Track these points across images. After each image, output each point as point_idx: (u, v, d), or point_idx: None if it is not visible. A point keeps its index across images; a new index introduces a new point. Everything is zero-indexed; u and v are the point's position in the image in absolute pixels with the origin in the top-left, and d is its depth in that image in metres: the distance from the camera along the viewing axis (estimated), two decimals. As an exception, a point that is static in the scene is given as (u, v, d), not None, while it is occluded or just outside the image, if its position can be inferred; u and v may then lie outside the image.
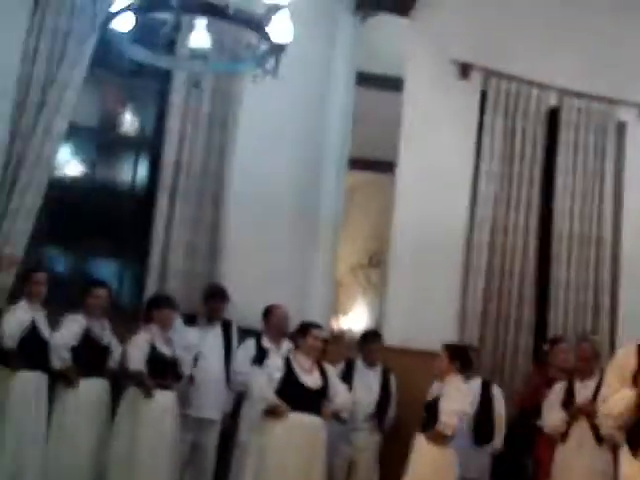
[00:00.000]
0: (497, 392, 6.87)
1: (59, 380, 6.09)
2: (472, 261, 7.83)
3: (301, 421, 6.13)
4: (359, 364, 7.04)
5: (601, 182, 8.23)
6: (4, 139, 6.56)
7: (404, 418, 6.98)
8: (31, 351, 5.97)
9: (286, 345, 6.83)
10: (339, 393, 6.32)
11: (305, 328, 6.40)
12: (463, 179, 7.98)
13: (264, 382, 6.20)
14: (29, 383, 5.96)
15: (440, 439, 5.99)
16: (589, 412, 6.01)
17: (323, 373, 6.38)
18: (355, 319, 9.15)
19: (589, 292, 8.06)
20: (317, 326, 6.43)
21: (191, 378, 6.54)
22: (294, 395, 6.16)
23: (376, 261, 9.78)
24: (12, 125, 6.59)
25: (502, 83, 8.02)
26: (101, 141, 7.39)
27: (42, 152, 6.55)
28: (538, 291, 7.97)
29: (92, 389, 6.18)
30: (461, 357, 6.34)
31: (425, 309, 7.69)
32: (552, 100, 8.20)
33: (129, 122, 7.50)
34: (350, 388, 6.64)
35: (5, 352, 5.92)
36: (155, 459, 6.10)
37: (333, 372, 6.49)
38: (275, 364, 6.31)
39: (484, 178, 7.92)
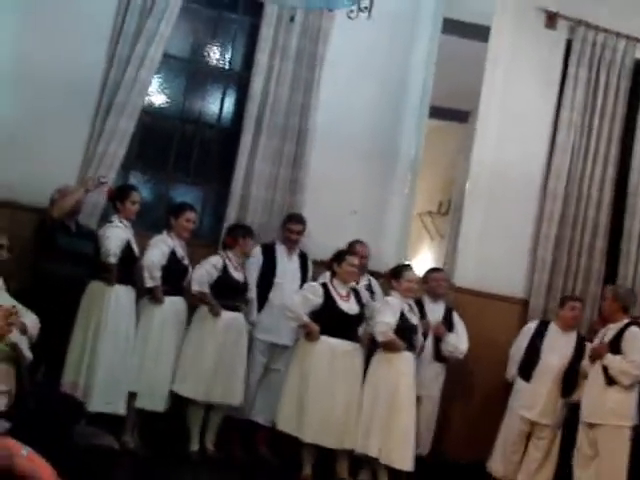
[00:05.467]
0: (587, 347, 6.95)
1: (144, 295, 6.38)
2: (546, 210, 7.91)
3: (341, 347, 6.43)
4: (425, 299, 7.22)
5: (681, 140, 8.22)
6: (101, 64, 6.83)
7: (470, 356, 7.18)
8: (124, 267, 6.19)
9: (364, 279, 7.05)
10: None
11: (341, 255, 6.65)
12: (542, 128, 8.03)
13: (299, 301, 6.46)
14: (123, 297, 6.20)
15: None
16: (597, 355, 6.47)
17: (359, 299, 6.63)
18: (421, 265, 9.29)
19: (660, 247, 8.09)
20: (352, 253, 6.69)
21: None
22: (333, 321, 6.45)
23: (445, 209, 9.91)
24: (109, 51, 6.86)
25: (589, 34, 8.01)
26: (191, 72, 7.59)
27: (137, 78, 6.80)
28: (609, 242, 8.03)
29: (174, 307, 6.46)
30: None
31: (497, 255, 7.82)
32: (638, 54, 8.16)
33: (219, 55, 7.68)
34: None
35: (104, 267, 6.14)
36: (218, 370, 6.41)
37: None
38: (315, 289, 6.54)
39: (564, 128, 7.95)
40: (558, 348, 6.89)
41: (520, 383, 6.92)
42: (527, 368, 6.91)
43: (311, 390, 6.34)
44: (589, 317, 7.82)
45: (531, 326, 7.12)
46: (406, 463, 6.34)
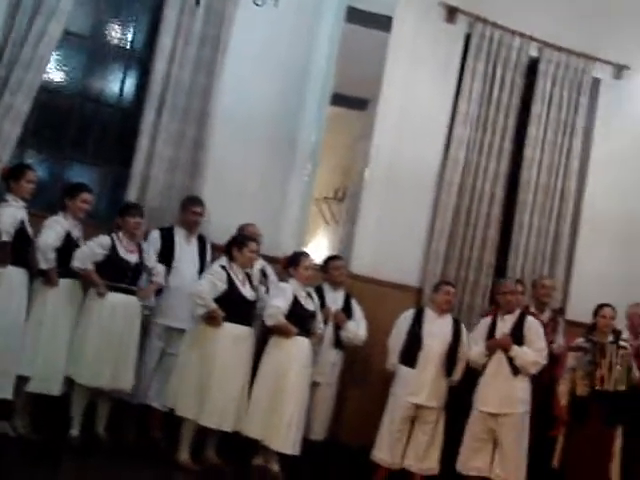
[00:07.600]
0: (464, 331, 7.16)
1: (38, 278, 6.23)
2: (441, 201, 8.10)
3: (241, 332, 6.48)
4: (325, 287, 7.31)
5: (571, 136, 8.52)
6: (-3, 39, 6.63)
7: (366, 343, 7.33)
8: (18, 248, 6.02)
9: (258, 264, 7.08)
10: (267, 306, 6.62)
11: (242, 241, 6.68)
12: (440, 120, 8.21)
13: (208, 288, 6.44)
14: (15, 279, 6.04)
15: None
16: (504, 346, 6.66)
17: (251, 284, 6.70)
18: (316, 250, 9.37)
19: (549, 240, 8.40)
20: (253, 240, 6.73)
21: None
22: (234, 307, 6.47)
23: (341, 195, 10.01)
24: (6, 26, 6.64)
25: (486, 30, 8.24)
26: (92, 50, 7.45)
27: (35, 55, 6.63)
28: (501, 235, 8.30)
29: (69, 289, 6.35)
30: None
31: (392, 244, 7.98)
32: (533, 51, 8.44)
33: (121, 34, 7.56)
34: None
35: None
36: (102, 354, 6.29)
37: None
38: (220, 275, 6.53)
39: (460, 121, 8.16)
40: (437, 332, 7.03)
41: (404, 370, 6.99)
42: (410, 355, 6.98)
43: (216, 376, 6.34)
44: (480, 306, 8.07)
45: (407, 314, 7.18)
46: (289, 447, 6.43)
